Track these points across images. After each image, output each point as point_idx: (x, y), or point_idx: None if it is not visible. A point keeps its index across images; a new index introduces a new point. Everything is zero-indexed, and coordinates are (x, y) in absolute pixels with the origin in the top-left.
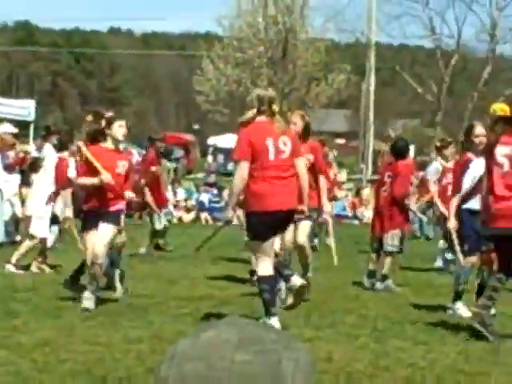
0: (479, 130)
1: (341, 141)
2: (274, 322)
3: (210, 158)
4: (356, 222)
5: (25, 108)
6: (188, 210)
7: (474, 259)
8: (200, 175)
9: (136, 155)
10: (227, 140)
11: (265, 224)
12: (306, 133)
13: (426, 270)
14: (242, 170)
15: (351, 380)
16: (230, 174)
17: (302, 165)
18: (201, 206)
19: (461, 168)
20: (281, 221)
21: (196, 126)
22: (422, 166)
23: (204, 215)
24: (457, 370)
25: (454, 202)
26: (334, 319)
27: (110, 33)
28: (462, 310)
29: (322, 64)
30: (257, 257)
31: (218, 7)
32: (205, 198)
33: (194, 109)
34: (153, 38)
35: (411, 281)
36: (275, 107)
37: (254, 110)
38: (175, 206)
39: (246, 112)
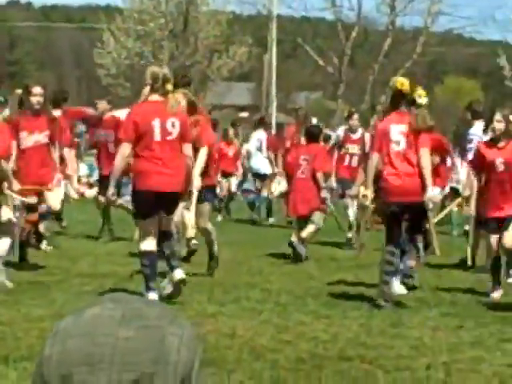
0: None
1: (244, 114)
2: (153, 296)
3: None
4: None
5: None
6: (90, 186)
7: None
8: None
9: None
10: None
11: (147, 203)
12: (191, 109)
13: (328, 244)
14: (123, 150)
15: (254, 355)
16: None
17: (187, 150)
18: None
19: None
20: (163, 201)
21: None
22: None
23: None
24: (359, 343)
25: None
26: (237, 294)
27: (8, 5)
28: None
29: (224, 36)
30: (140, 233)
31: None
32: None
33: (96, 83)
34: (52, 10)
35: (314, 254)
36: (169, 86)
37: (148, 88)
38: (78, 181)
39: (143, 89)
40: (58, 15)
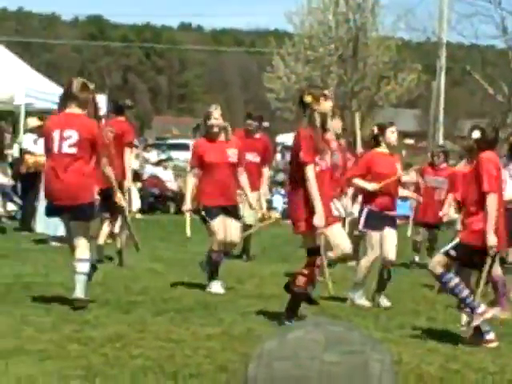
0: None
1: (410, 141)
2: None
3: (278, 156)
4: None
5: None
6: None
7: None
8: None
9: None
10: None
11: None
12: None
13: None
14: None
15: (421, 382)
16: None
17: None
18: (270, 205)
19: None
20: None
21: (265, 124)
22: None
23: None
24: None
25: None
26: (402, 321)
27: (180, 28)
28: None
29: (393, 63)
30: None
31: (288, 4)
32: (275, 197)
33: (263, 106)
34: (222, 34)
35: None
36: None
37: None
38: None
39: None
40: (228, 39)
